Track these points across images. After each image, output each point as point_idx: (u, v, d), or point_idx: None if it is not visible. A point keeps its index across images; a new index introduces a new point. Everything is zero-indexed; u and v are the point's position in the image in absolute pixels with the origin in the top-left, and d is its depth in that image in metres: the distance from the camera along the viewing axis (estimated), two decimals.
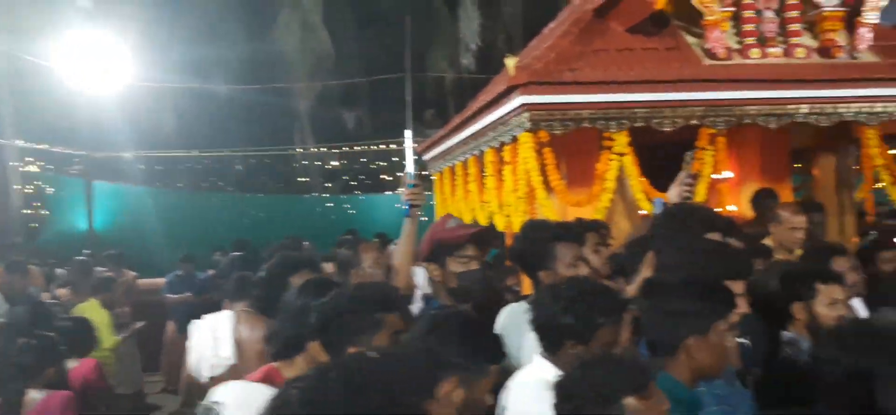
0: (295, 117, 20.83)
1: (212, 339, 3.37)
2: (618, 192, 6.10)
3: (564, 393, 1.71)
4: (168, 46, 17.97)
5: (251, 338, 3.33)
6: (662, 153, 5.27)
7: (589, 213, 5.92)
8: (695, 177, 3.44)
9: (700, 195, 5.89)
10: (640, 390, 1.65)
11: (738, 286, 2.61)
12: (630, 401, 1.64)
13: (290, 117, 20.71)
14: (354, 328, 2.09)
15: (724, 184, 6.62)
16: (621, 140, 5.81)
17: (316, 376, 1.22)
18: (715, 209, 4.43)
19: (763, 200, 6.21)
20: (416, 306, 3.29)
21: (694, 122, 5.94)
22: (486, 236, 3.50)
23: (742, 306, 2.60)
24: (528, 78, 5.63)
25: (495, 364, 1.96)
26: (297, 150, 20.74)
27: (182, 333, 5.55)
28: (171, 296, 9.60)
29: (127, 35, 14.11)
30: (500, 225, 6.65)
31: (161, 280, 10.01)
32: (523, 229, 3.49)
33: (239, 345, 3.33)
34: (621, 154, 5.81)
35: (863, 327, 2.46)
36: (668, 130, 5.90)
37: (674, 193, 3.54)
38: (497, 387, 2.43)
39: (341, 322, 2.12)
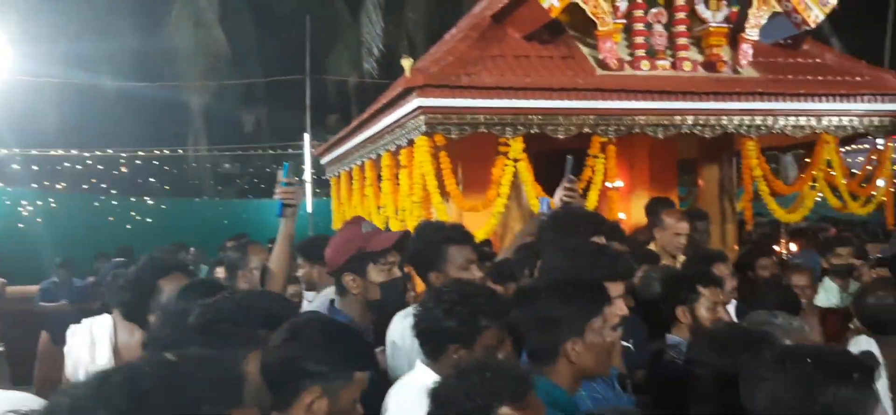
0: (187, 117, 20.01)
1: (89, 344, 3.09)
2: (513, 198, 6.13)
3: (439, 401, 1.62)
4: (52, 39, 16.87)
5: (130, 343, 3.06)
6: (557, 160, 5.32)
7: (484, 218, 5.92)
8: (574, 180, 3.41)
9: (591, 202, 6.00)
10: (516, 399, 1.58)
11: (617, 287, 2.59)
12: (505, 410, 1.57)
13: (182, 117, 19.88)
14: (233, 340, 1.92)
15: (615, 192, 6.77)
16: (516, 146, 5.83)
17: (96, 380, 1.05)
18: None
19: (657, 208, 6.37)
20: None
21: (586, 130, 6.05)
22: (407, 242, 3.32)
23: (622, 307, 2.59)
24: (425, 80, 5.57)
25: (363, 372, 1.83)
26: (189, 151, 19.89)
27: (57, 343, 5.13)
28: (45, 304, 8.95)
29: (5, 25, 13.15)
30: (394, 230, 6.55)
31: (34, 287, 9.32)
32: (417, 230, 3.37)
33: (117, 351, 3.07)
34: (516, 160, 5.84)
35: (733, 330, 2.51)
36: (562, 137, 5.98)
37: (556, 198, 3.52)
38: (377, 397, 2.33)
39: (220, 330, 1.94)
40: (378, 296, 2.83)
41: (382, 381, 2.56)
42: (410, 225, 5.94)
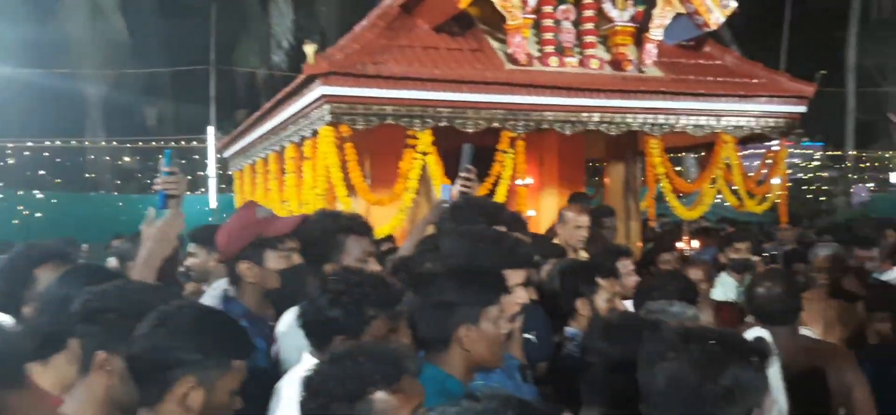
0: (84, 108, 18.92)
1: None
2: (422, 192, 6.01)
3: (311, 389, 1.51)
4: None
5: None
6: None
7: (391, 212, 5.78)
8: (472, 170, 3.30)
9: (500, 198, 5.96)
10: (390, 382, 1.48)
11: (517, 276, 2.51)
12: (379, 395, 1.47)
13: (79, 107, 18.78)
14: (117, 332, 1.74)
15: (524, 189, 6.77)
16: (425, 139, 5.72)
17: None
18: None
19: (574, 203, 6.40)
20: None
21: (495, 124, 6.00)
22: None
23: (522, 296, 2.51)
24: (329, 68, 5.38)
25: (241, 360, 1.68)
26: (85, 143, 18.81)
27: None
28: None
29: None
30: None
31: None
32: (312, 217, 3.18)
33: None
34: (425, 153, 5.72)
35: (625, 318, 2.49)
36: (471, 131, 5.90)
37: (454, 189, 3.41)
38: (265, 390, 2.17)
39: (106, 320, 1.78)
40: (277, 284, 2.67)
41: (274, 373, 2.42)
42: None
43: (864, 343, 3.87)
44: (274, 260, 2.65)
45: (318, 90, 5.43)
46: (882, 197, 19.63)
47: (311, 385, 1.51)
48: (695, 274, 4.38)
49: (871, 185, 22.11)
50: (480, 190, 5.91)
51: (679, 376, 1.63)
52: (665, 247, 5.58)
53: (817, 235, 7.36)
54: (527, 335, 3.25)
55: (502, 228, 3.01)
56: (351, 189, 5.66)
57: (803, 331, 3.92)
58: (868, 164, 22.80)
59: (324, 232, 2.94)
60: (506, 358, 2.46)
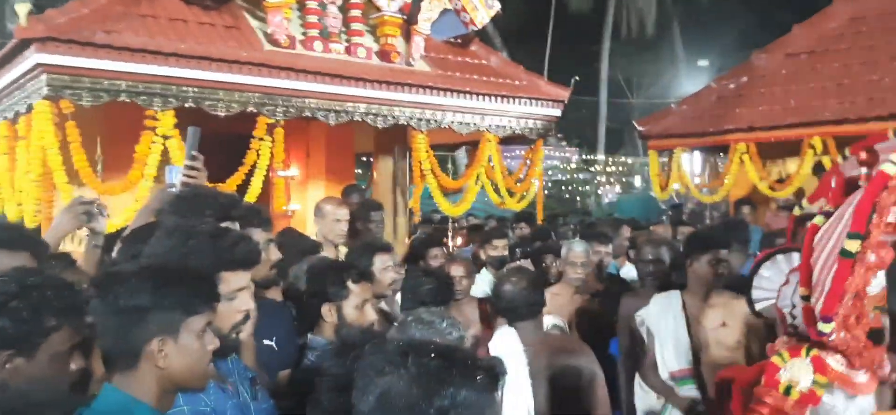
0: None
1: None
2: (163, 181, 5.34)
3: None
4: None
5: None
6: (222, 144, 4.76)
7: (125, 202, 5.06)
8: (198, 156, 2.84)
9: (256, 189, 5.49)
10: None
11: (240, 278, 2.15)
12: None
13: None
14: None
15: (283, 181, 6.36)
16: (167, 120, 5.07)
17: None
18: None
19: (347, 197, 6.11)
20: None
21: (252, 109, 5.51)
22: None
23: (246, 302, 2.15)
24: (47, 32, 4.56)
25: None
26: None
27: None
28: None
29: None
30: (11, 215, 5.33)
31: None
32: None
33: None
34: (166, 137, 5.07)
35: (352, 333, 2.24)
36: (223, 114, 5.36)
37: (180, 176, 2.92)
38: None
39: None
40: None
41: None
42: (28, 209, 4.86)
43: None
44: None
45: (32, 58, 4.60)
46: (627, 198, 21.70)
47: None
48: (456, 270, 4.34)
49: (618, 188, 24.48)
50: (233, 180, 5.42)
51: (392, 393, 1.38)
52: (434, 243, 5.53)
53: (572, 232, 7.74)
54: (266, 342, 2.96)
55: (234, 224, 2.61)
56: (74, 175, 4.86)
57: (557, 323, 4.01)
58: (616, 168, 25.18)
59: None
60: (232, 370, 2.17)
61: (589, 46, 23.05)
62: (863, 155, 1.85)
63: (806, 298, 1.85)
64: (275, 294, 3.34)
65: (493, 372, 1.46)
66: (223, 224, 2.62)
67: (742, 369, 3.16)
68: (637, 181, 25.59)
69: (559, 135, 21.21)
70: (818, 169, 7.02)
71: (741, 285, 3.36)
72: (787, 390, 1.87)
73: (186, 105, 5.17)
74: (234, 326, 2.09)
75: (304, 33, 5.99)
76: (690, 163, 10.43)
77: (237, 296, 2.12)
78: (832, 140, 7.00)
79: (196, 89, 5.13)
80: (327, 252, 4.43)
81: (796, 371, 1.88)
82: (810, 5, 8.74)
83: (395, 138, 7.26)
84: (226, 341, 2.03)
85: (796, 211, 2.24)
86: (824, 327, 1.80)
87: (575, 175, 24.22)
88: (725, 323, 3.50)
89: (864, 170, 1.85)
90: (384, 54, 6.39)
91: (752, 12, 22.62)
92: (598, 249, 4.95)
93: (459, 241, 7.48)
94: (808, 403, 1.85)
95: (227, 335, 2.05)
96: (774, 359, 1.93)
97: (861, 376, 1.94)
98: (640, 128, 8.60)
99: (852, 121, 6.94)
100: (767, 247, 4.64)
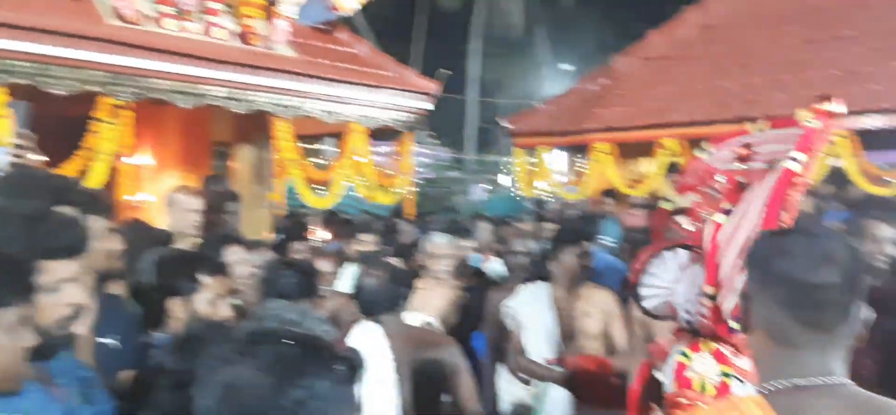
0: None
1: None
2: None
3: None
4: None
5: None
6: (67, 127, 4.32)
7: None
8: (29, 135, 2.55)
9: (99, 175, 5.03)
10: None
11: (66, 267, 1.92)
12: None
13: None
14: None
15: (132, 168, 5.90)
16: None
17: None
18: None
19: (210, 187, 5.74)
20: None
21: (95, 88, 5.03)
22: None
23: (73, 295, 1.94)
24: None
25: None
26: None
27: None
28: None
29: None
30: None
31: None
32: None
33: None
34: None
35: (197, 328, 2.06)
36: (65, 94, 4.86)
37: (5, 157, 2.61)
38: None
39: None
40: None
41: None
42: None
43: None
44: None
45: None
46: (495, 196, 22.14)
47: None
48: (323, 265, 4.24)
49: (487, 185, 25.00)
50: (71, 164, 4.94)
51: (239, 383, 1.19)
52: (298, 236, 5.32)
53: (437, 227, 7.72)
54: (107, 339, 2.74)
55: (70, 209, 2.33)
56: None
57: (424, 318, 3.92)
58: (484, 166, 25.64)
59: None
60: (62, 370, 1.98)
61: (458, 46, 23.39)
62: (741, 151, 1.85)
63: (712, 298, 1.83)
64: (118, 288, 3.08)
65: (351, 363, 1.33)
66: (57, 208, 2.36)
67: (591, 359, 3.27)
68: (501, 179, 26.20)
69: (431, 133, 21.33)
70: (673, 170, 7.38)
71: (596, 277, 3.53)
72: (703, 387, 1.85)
73: (19, 82, 4.64)
74: (60, 321, 1.92)
75: (156, 10, 5.56)
76: (552, 161, 10.75)
77: (61, 287, 1.93)
78: (685, 141, 7.38)
79: (28, 64, 4.60)
80: (180, 245, 4.15)
81: (702, 367, 1.86)
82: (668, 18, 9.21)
83: (256, 125, 6.92)
84: (50, 338, 1.85)
85: (667, 205, 2.24)
86: (736, 326, 1.79)
87: (444, 174, 24.46)
88: (589, 314, 3.57)
89: (739, 165, 1.85)
90: (244, 37, 6.07)
91: (610, 20, 23.78)
92: (460, 244, 4.92)
93: (329, 236, 7.26)
94: (724, 395, 1.83)
95: (50, 331, 1.86)
96: (679, 359, 1.90)
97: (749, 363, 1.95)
98: (506, 125, 8.72)
99: (701, 123, 7.34)
100: (630, 243, 4.81)
